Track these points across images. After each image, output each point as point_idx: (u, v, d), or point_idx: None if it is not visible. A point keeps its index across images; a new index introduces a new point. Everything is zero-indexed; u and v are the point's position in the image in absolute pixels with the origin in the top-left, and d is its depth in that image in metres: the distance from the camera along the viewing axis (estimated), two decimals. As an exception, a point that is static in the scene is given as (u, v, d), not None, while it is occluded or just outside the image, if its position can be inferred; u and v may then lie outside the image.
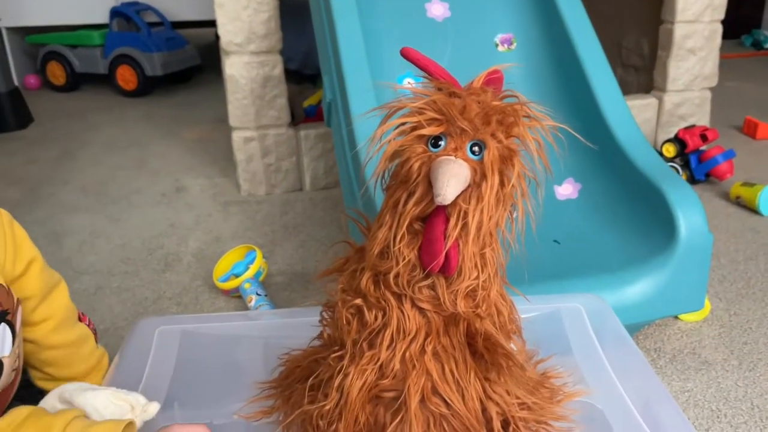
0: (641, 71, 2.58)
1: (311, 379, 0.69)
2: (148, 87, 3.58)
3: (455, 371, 0.62)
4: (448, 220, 0.59)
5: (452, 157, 0.57)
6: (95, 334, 0.92)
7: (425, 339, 0.61)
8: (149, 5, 3.63)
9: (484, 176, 0.58)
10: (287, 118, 2.17)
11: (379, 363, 0.62)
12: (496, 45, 1.66)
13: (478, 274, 0.61)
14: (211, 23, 2.37)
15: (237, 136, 2.16)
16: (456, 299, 0.61)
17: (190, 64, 3.79)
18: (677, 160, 2.20)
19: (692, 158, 2.17)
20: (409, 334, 0.61)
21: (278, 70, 2.11)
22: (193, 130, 2.93)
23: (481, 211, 0.58)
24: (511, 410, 0.64)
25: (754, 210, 1.97)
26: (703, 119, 2.43)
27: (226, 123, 2.18)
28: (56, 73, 3.71)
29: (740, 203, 2.02)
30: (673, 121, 2.40)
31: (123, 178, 2.39)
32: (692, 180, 2.17)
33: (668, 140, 2.22)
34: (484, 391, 0.63)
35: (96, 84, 3.74)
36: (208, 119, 3.06)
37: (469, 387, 0.62)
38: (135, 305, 1.59)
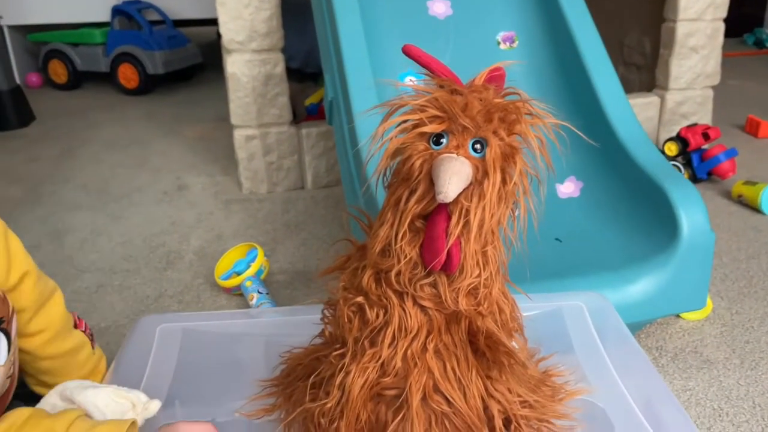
0: (643, 69, 2.58)
1: (313, 377, 0.69)
2: (149, 85, 3.58)
3: (457, 369, 0.62)
4: (449, 218, 0.59)
5: (454, 155, 0.57)
6: (92, 338, 0.91)
7: (427, 337, 0.61)
8: (151, 3, 3.63)
9: (486, 174, 0.58)
10: (289, 117, 2.17)
11: (380, 361, 0.62)
12: (498, 43, 1.65)
13: (480, 271, 0.61)
14: (213, 21, 2.37)
15: (238, 135, 2.16)
16: (458, 297, 0.61)
17: (192, 62, 3.79)
18: (679, 158, 2.20)
19: (694, 157, 2.17)
20: (410, 332, 0.61)
21: (280, 68, 2.10)
22: (195, 128, 2.93)
23: (483, 209, 0.58)
24: (513, 408, 0.64)
25: (756, 209, 1.97)
26: (705, 118, 2.42)
27: (228, 121, 2.18)
28: (58, 71, 3.71)
29: (742, 202, 2.02)
30: (675, 120, 2.39)
31: (124, 176, 2.39)
32: (694, 179, 2.17)
33: (670, 139, 2.22)
34: (486, 389, 0.63)
35: (97, 82, 3.74)
36: (209, 117, 3.06)
37: (470, 385, 0.62)
38: (136, 303, 1.59)
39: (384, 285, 0.62)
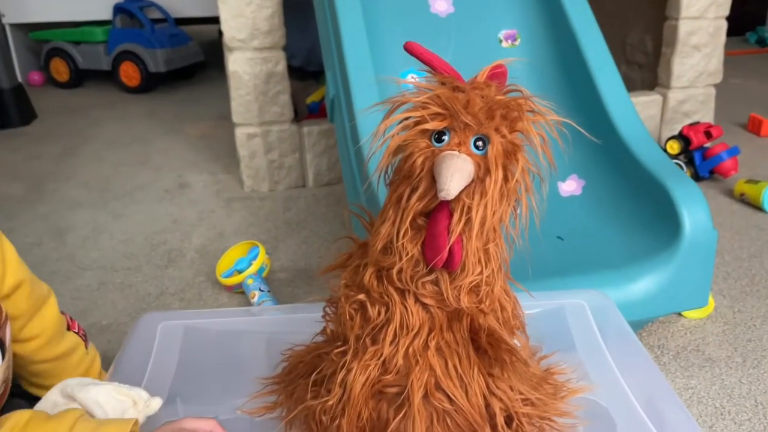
0: (645, 68, 2.58)
1: (314, 374, 0.69)
2: (151, 83, 3.58)
3: (458, 367, 0.61)
4: (451, 216, 0.58)
5: (456, 152, 0.57)
6: (85, 338, 0.91)
7: (428, 334, 0.61)
8: (152, 2, 3.63)
9: (487, 171, 0.57)
10: (290, 115, 2.17)
11: (382, 358, 0.61)
12: (500, 41, 1.65)
13: (482, 269, 0.61)
14: (215, 20, 2.37)
15: (240, 133, 2.16)
16: (459, 295, 0.61)
17: (194, 60, 3.79)
18: (681, 157, 2.19)
19: (696, 155, 2.17)
20: (412, 330, 0.61)
21: (281, 66, 2.10)
22: (197, 126, 2.93)
23: (485, 207, 0.58)
24: (515, 406, 0.64)
25: (758, 207, 1.96)
26: (707, 116, 2.42)
27: (230, 119, 2.18)
28: (60, 69, 3.72)
29: (744, 200, 2.02)
30: (677, 118, 2.39)
31: (126, 175, 2.40)
32: (696, 177, 2.16)
33: (672, 137, 2.22)
34: (488, 386, 0.63)
35: (99, 80, 3.74)
36: (211, 116, 3.06)
37: (472, 383, 0.62)
38: (138, 301, 1.59)
39: (385, 282, 0.62)
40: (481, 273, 0.61)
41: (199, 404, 0.78)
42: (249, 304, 1.53)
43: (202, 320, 0.96)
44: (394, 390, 0.62)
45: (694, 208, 1.23)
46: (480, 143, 0.58)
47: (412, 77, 1.50)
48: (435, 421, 0.62)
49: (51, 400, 0.70)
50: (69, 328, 0.87)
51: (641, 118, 1.48)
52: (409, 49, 0.61)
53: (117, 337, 1.43)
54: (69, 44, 3.65)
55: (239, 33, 2.03)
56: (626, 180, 1.40)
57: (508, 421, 0.65)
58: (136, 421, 0.65)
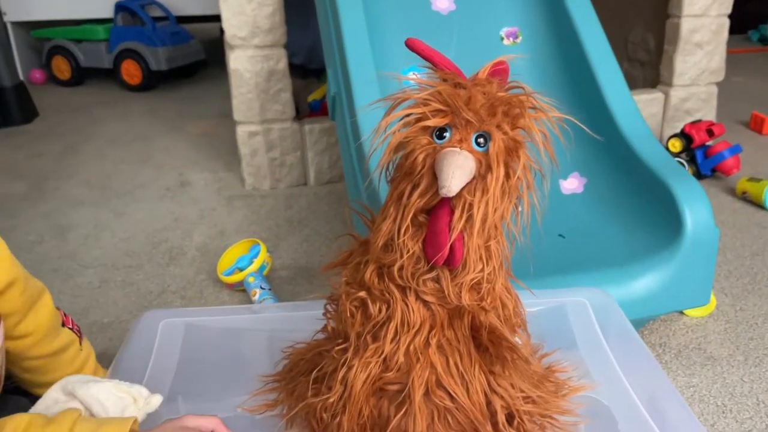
0: (647, 66, 2.57)
1: (315, 372, 0.69)
2: (152, 81, 3.58)
3: (460, 364, 0.61)
4: (452, 212, 0.58)
5: (457, 149, 0.57)
6: (80, 334, 0.91)
7: (429, 332, 0.61)
8: (154, 0, 3.63)
9: (489, 168, 0.57)
10: (292, 113, 2.17)
11: (383, 356, 0.61)
12: (502, 38, 1.65)
13: (483, 266, 0.61)
14: (216, 18, 2.36)
15: (241, 131, 2.15)
16: (460, 292, 0.61)
17: (195, 58, 3.79)
18: (683, 155, 2.19)
19: (698, 153, 2.16)
20: (413, 327, 0.61)
21: (282, 64, 2.10)
22: (198, 124, 2.93)
23: (486, 203, 0.58)
24: (516, 404, 0.64)
25: (760, 205, 1.96)
26: (709, 114, 2.41)
27: (231, 117, 2.18)
28: (61, 67, 3.72)
29: (746, 198, 2.01)
30: (679, 116, 2.38)
31: (127, 173, 2.40)
32: (698, 175, 2.16)
33: (674, 135, 2.21)
34: (489, 384, 0.63)
35: (101, 78, 3.74)
36: (212, 114, 3.06)
37: (473, 380, 0.61)
38: (139, 299, 1.59)
39: (387, 280, 0.61)
40: (482, 270, 0.61)
41: (200, 402, 0.78)
42: (250, 302, 1.53)
43: (203, 318, 0.96)
44: (395, 387, 0.62)
45: (696, 206, 1.23)
46: (481, 140, 0.58)
47: (414, 75, 1.50)
48: (436, 418, 0.61)
49: (52, 397, 0.70)
50: (63, 324, 0.87)
51: (643, 116, 1.47)
52: (410, 45, 0.61)
53: (118, 335, 1.43)
54: (70, 42, 3.65)
55: (240, 31, 2.03)
56: (628, 178, 1.39)
57: (510, 418, 0.65)
58: (136, 420, 0.65)
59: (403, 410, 0.61)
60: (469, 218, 0.58)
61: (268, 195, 2.17)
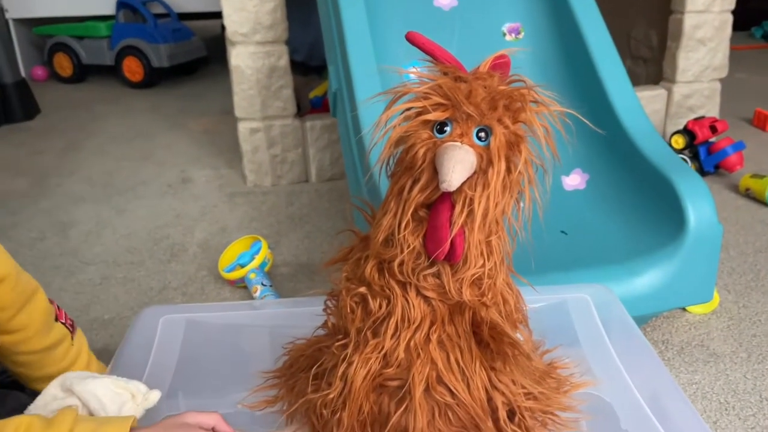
0: (650, 62, 2.56)
1: (315, 368, 0.68)
2: (154, 78, 3.58)
3: (460, 360, 0.61)
4: (453, 207, 0.58)
5: (458, 143, 0.56)
6: (72, 328, 0.91)
7: (430, 327, 0.61)
8: (155, -3, 3.64)
9: (490, 162, 0.57)
10: (293, 109, 2.16)
11: (383, 351, 0.61)
12: (504, 34, 1.64)
13: (484, 262, 0.60)
14: (217, 15, 2.36)
15: (243, 127, 2.15)
16: (461, 287, 0.60)
17: (197, 55, 3.79)
18: (686, 151, 2.18)
19: (701, 150, 2.15)
20: (413, 323, 0.60)
21: (284, 60, 2.10)
22: (199, 121, 2.93)
23: (487, 198, 0.57)
24: (517, 400, 0.64)
25: (763, 202, 1.95)
26: (712, 111, 2.41)
27: (232, 114, 2.18)
28: (63, 64, 3.72)
29: (750, 195, 2.00)
30: (682, 113, 2.37)
31: (129, 169, 2.40)
32: (701, 172, 2.15)
33: (677, 132, 2.20)
34: (490, 380, 0.62)
35: (102, 75, 3.74)
36: (214, 110, 3.05)
37: (474, 376, 0.61)
38: (140, 295, 1.59)
39: (387, 275, 0.61)
40: (483, 266, 0.60)
41: (200, 398, 0.78)
42: (251, 298, 1.53)
43: (204, 314, 0.96)
44: (395, 383, 0.62)
45: (700, 202, 1.23)
46: (482, 134, 0.57)
47: (415, 69, 1.50)
48: (437, 414, 0.61)
49: (50, 393, 0.70)
50: (57, 318, 0.87)
51: (646, 112, 1.47)
52: (411, 39, 0.61)
53: (119, 332, 1.43)
54: (72, 39, 3.65)
55: (242, 27, 2.02)
56: (631, 174, 1.39)
57: (511, 415, 0.64)
58: (135, 419, 0.64)
59: (404, 406, 0.61)
60: (470, 213, 0.57)
61: (269, 192, 2.16)
